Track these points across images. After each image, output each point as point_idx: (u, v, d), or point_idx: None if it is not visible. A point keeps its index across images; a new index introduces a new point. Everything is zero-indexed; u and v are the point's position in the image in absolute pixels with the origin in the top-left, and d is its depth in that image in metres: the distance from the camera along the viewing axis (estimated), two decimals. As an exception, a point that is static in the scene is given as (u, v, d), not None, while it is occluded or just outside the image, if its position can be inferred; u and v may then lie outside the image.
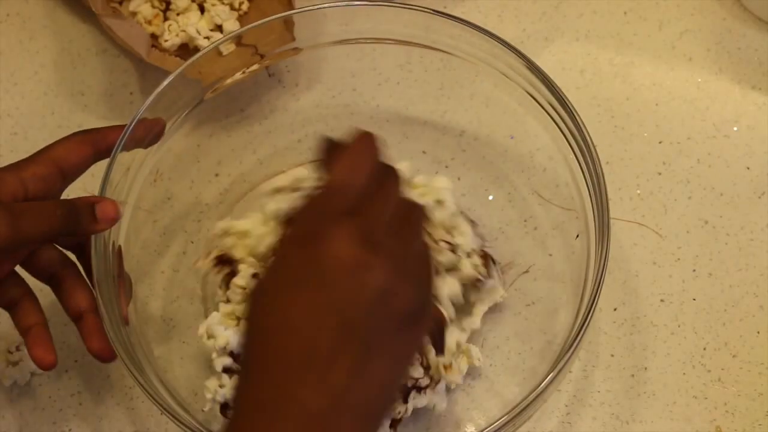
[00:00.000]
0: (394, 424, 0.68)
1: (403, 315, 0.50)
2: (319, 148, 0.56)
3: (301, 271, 0.50)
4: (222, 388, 0.67)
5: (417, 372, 0.67)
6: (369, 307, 0.49)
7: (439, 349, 0.68)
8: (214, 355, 0.68)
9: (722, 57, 0.82)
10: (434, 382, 0.68)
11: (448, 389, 0.70)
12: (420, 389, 0.68)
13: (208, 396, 0.67)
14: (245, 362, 0.50)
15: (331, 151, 0.55)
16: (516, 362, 0.71)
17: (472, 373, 0.71)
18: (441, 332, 0.66)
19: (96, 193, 0.68)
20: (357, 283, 0.49)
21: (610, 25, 0.83)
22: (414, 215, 0.55)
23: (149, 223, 0.75)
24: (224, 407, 0.68)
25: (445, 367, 0.68)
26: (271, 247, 0.53)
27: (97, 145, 0.67)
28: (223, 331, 0.68)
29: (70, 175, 0.66)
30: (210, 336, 0.68)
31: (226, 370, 0.68)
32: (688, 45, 0.82)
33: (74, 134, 0.67)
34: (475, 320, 0.72)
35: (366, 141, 0.55)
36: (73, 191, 0.78)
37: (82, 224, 0.64)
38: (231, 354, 0.68)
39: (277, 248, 0.52)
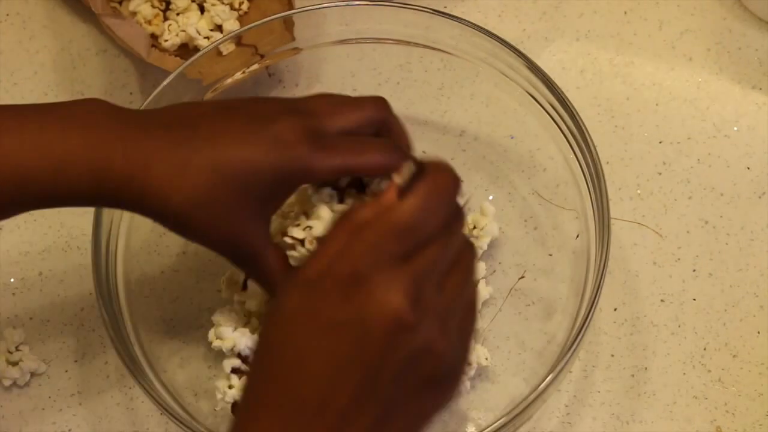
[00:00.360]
0: None
1: (436, 377, 0.48)
2: (401, 161, 0.52)
3: (337, 314, 0.46)
4: (231, 389, 0.67)
5: None
6: (400, 367, 0.46)
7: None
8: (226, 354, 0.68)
9: (722, 57, 0.82)
10: None
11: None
12: None
13: (219, 396, 0.67)
14: (251, 389, 0.48)
15: (412, 174, 0.51)
16: (516, 362, 0.71)
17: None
18: None
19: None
20: (394, 343, 0.46)
21: (610, 25, 0.83)
22: (468, 258, 0.51)
23: (149, 223, 0.75)
24: (235, 407, 0.67)
25: None
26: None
27: None
28: (231, 333, 0.67)
29: None
30: (218, 338, 0.68)
31: (235, 370, 0.68)
32: (688, 45, 0.82)
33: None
34: None
35: (449, 177, 0.50)
36: (73, 191, 0.78)
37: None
38: (239, 356, 0.67)
39: (310, 274, 0.48)
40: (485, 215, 0.73)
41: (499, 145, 0.78)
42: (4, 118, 0.54)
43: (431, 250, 0.48)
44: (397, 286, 0.46)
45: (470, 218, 0.72)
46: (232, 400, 0.67)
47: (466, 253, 0.51)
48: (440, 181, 0.50)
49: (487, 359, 0.70)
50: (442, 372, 0.48)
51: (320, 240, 0.50)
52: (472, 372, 0.69)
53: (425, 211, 0.49)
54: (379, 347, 0.46)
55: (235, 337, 0.67)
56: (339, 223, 0.49)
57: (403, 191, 0.49)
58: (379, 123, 0.59)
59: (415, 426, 0.49)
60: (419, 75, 0.80)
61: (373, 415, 0.46)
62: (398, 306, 0.46)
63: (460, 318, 0.50)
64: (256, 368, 0.48)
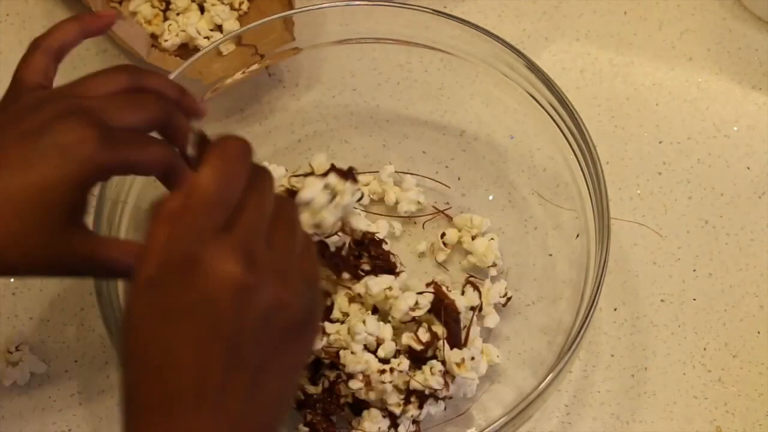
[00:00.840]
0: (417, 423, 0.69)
1: (293, 326, 0.49)
2: (190, 143, 0.54)
3: (182, 299, 0.47)
4: None
5: (436, 383, 0.67)
6: (257, 328, 0.48)
7: (458, 341, 0.67)
8: None
9: (722, 57, 0.82)
10: (448, 385, 0.68)
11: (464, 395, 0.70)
12: (437, 398, 0.68)
13: None
14: (131, 400, 0.48)
15: (200, 149, 0.53)
16: (516, 362, 0.71)
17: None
18: (457, 322, 0.66)
19: (96, 193, 0.68)
20: (242, 307, 0.47)
21: (610, 25, 0.83)
22: (287, 209, 0.53)
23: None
24: None
25: (458, 365, 0.67)
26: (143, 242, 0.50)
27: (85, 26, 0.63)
28: None
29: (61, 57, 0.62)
30: None
31: None
32: (688, 45, 0.82)
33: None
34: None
35: (234, 141, 0.52)
36: (73, 191, 0.78)
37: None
38: None
39: (148, 271, 0.48)
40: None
41: (499, 145, 0.78)
42: None
43: (246, 212, 0.49)
44: (226, 255, 0.47)
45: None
46: None
47: (284, 205, 0.52)
48: (228, 147, 0.51)
49: (498, 356, 0.70)
50: (297, 320, 0.49)
51: (145, 239, 0.50)
52: (483, 370, 0.69)
53: (224, 178, 0.49)
54: (230, 316, 0.47)
55: None
56: (154, 219, 0.50)
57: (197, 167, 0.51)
58: (162, 122, 0.59)
59: (289, 376, 0.50)
60: (419, 75, 0.80)
61: (248, 379, 0.47)
62: (234, 272, 0.47)
63: (299, 265, 0.51)
64: (128, 377, 0.48)
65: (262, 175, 0.52)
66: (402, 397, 0.67)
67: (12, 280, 0.75)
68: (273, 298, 0.48)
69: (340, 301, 0.70)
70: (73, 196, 0.54)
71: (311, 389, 0.68)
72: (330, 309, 0.70)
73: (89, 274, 0.59)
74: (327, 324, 0.69)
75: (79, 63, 0.83)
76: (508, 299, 0.72)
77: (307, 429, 0.68)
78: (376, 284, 0.68)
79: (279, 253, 0.50)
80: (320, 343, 0.68)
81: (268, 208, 0.51)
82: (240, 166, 0.51)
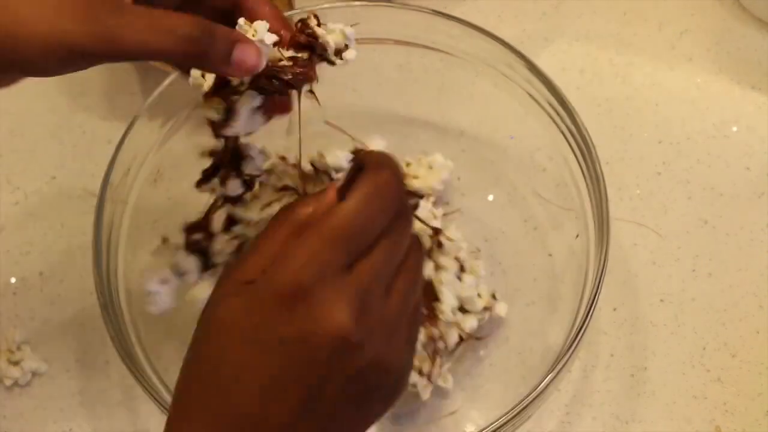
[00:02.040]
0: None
1: (382, 388, 0.47)
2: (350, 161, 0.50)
3: (277, 327, 0.44)
4: None
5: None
6: (345, 383, 0.45)
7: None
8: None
9: (722, 57, 0.82)
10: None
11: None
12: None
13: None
14: (188, 399, 0.46)
15: (353, 171, 0.48)
16: (516, 362, 0.71)
17: (471, 372, 0.71)
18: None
19: (96, 193, 0.68)
20: (339, 361, 0.44)
21: (610, 25, 0.83)
22: (416, 258, 0.49)
23: (149, 223, 0.75)
24: None
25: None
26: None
27: None
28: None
29: None
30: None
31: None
32: (688, 45, 0.83)
33: None
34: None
35: (391, 174, 0.47)
36: (73, 190, 0.79)
37: (210, 59, 0.50)
38: None
39: (250, 273, 0.45)
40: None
41: (499, 145, 0.78)
42: None
43: (376, 255, 0.46)
44: (341, 302, 0.44)
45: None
46: None
47: (414, 252, 0.49)
48: (382, 180, 0.47)
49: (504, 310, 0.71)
50: (389, 383, 0.47)
51: (258, 236, 0.47)
52: (486, 317, 0.70)
53: (368, 214, 0.46)
54: (324, 367, 0.44)
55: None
56: (277, 220, 0.47)
57: (343, 191, 0.47)
58: None
59: (361, 429, 0.47)
60: (419, 75, 0.80)
61: (316, 427, 0.45)
62: (343, 324, 0.44)
63: (408, 322, 0.48)
64: (190, 375, 0.47)
65: (406, 215, 0.48)
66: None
67: (13, 280, 0.76)
68: (372, 360, 0.45)
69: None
70: None
71: None
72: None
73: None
74: None
75: (80, 63, 0.83)
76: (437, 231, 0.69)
77: None
78: None
79: (394, 305, 0.46)
80: None
81: (400, 253, 0.47)
82: (390, 204, 0.47)
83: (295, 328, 0.44)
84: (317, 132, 0.76)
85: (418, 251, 0.49)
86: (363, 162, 0.49)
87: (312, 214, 0.47)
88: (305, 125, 0.79)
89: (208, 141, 0.79)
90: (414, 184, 0.72)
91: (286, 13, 0.75)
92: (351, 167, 0.49)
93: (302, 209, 0.47)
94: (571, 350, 0.63)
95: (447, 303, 0.67)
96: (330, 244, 0.45)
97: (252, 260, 0.46)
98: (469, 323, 0.69)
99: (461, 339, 0.69)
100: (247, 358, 0.44)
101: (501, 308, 0.71)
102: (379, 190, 0.47)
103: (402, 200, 0.48)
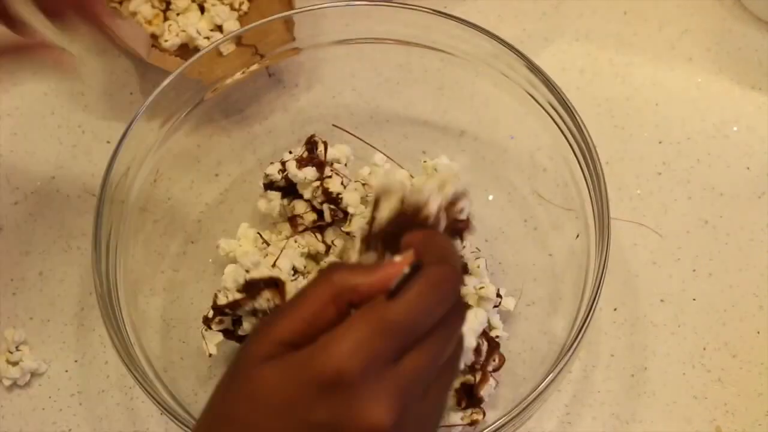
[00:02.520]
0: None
1: None
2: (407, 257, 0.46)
3: (312, 413, 0.42)
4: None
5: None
6: None
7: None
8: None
9: (722, 57, 0.82)
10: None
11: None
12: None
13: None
14: None
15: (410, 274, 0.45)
16: (516, 362, 0.71)
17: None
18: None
19: (96, 193, 0.68)
20: None
21: (610, 25, 0.83)
22: (456, 357, 0.47)
23: (149, 223, 0.75)
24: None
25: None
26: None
27: None
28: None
29: None
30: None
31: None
32: (688, 45, 0.82)
33: None
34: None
35: (447, 271, 0.45)
36: (73, 190, 0.79)
37: None
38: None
39: (286, 335, 0.43)
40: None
41: (499, 145, 0.78)
42: None
43: (425, 353, 0.44)
44: (382, 399, 0.42)
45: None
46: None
47: (456, 352, 0.47)
48: (443, 279, 0.45)
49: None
50: None
51: (298, 293, 0.45)
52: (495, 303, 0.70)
53: (423, 309, 0.44)
54: None
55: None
56: (320, 280, 0.45)
57: (399, 288, 0.44)
58: None
59: None
60: (419, 75, 0.80)
61: None
62: (381, 424, 0.42)
63: (436, 420, 0.46)
64: (211, 430, 0.45)
65: (460, 312, 0.46)
66: None
67: (12, 279, 0.75)
68: None
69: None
70: None
71: None
72: None
73: None
74: None
75: (80, 63, 0.83)
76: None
77: None
78: None
79: (430, 406, 0.45)
80: None
81: (448, 352, 0.45)
82: (444, 305, 0.45)
83: (329, 415, 0.42)
84: (323, 133, 0.76)
85: (459, 348, 0.48)
86: (423, 258, 0.46)
87: (358, 288, 0.45)
88: (311, 126, 0.80)
89: (207, 142, 0.79)
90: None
91: (287, 13, 0.75)
92: (409, 266, 0.46)
93: (348, 275, 0.45)
94: (571, 350, 0.63)
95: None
96: (381, 335, 0.43)
97: (291, 318, 0.45)
98: (480, 318, 0.68)
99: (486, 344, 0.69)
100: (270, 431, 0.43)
101: (509, 302, 0.71)
102: (438, 288, 0.45)
103: (458, 297, 0.46)
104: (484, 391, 0.68)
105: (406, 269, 0.45)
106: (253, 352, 0.44)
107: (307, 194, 0.72)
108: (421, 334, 0.44)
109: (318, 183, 0.72)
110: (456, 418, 0.68)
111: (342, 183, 0.72)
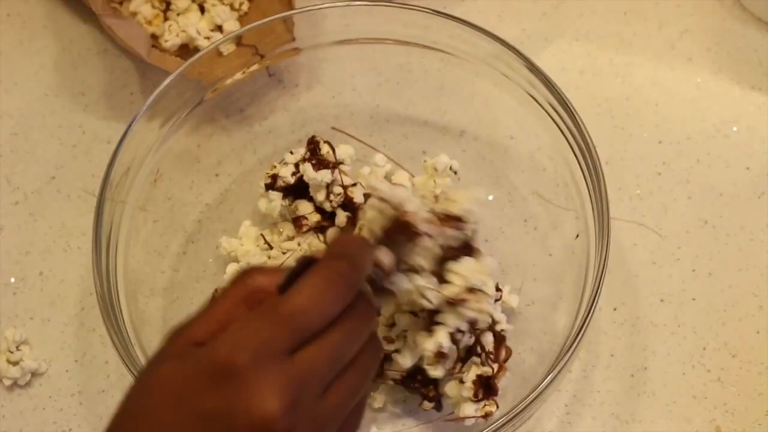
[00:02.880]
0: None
1: None
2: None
3: (204, 403, 0.42)
4: None
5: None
6: None
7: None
8: None
9: (722, 57, 0.82)
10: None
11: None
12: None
13: None
14: None
15: (307, 261, 0.46)
16: (516, 362, 0.71)
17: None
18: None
19: (96, 193, 0.68)
20: None
21: (610, 25, 0.83)
22: (368, 359, 0.46)
23: (149, 223, 0.75)
24: None
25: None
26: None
27: None
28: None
29: None
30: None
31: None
32: (688, 45, 0.82)
33: None
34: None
35: (346, 265, 0.45)
36: (73, 190, 0.79)
37: None
38: None
39: (196, 334, 0.44)
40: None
41: (499, 145, 0.78)
42: None
43: (320, 349, 0.44)
44: (272, 388, 0.42)
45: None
46: None
47: (369, 352, 0.47)
48: (328, 270, 0.45)
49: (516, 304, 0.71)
50: None
51: (212, 297, 0.47)
52: (504, 322, 0.69)
53: (318, 304, 0.44)
54: None
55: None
56: (233, 284, 0.45)
57: (294, 279, 0.45)
58: None
59: None
60: (419, 75, 0.80)
61: None
62: (269, 411, 0.42)
63: (344, 424, 0.45)
64: (114, 426, 0.45)
65: (361, 311, 0.46)
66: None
67: (13, 280, 0.75)
68: None
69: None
70: None
71: None
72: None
73: None
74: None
75: (80, 63, 0.83)
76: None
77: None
78: None
79: (330, 406, 0.44)
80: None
81: (349, 350, 0.45)
82: (340, 299, 0.45)
83: (219, 403, 0.42)
84: (323, 133, 0.76)
85: (373, 352, 0.47)
86: (325, 256, 0.47)
87: (263, 286, 0.45)
88: (311, 126, 0.80)
89: (207, 142, 0.79)
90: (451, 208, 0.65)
91: (287, 13, 0.75)
92: (296, 261, 0.47)
93: (258, 276, 0.46)
94: (571, 350, 0.63)
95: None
96: (270, 325, 0.43)
97: (201, 321, 0.45)
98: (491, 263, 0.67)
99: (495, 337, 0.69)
100: (168, 425, 0.43)
101: (512, 300, 0.71)
102: (333, 273, 0.45)
103: (357, 294, 0.46)
104: (501, 383, 0.68)
105: (293, 264, 0.46)
106: (164, 352, 0.45)
107: (320, 197, 0.72)
108: (316, 327, 0.44)
109: (336, 187, 0.72)
110: (470, 409, 0.67)
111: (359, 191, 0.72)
